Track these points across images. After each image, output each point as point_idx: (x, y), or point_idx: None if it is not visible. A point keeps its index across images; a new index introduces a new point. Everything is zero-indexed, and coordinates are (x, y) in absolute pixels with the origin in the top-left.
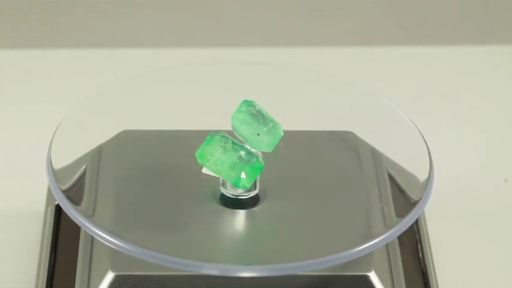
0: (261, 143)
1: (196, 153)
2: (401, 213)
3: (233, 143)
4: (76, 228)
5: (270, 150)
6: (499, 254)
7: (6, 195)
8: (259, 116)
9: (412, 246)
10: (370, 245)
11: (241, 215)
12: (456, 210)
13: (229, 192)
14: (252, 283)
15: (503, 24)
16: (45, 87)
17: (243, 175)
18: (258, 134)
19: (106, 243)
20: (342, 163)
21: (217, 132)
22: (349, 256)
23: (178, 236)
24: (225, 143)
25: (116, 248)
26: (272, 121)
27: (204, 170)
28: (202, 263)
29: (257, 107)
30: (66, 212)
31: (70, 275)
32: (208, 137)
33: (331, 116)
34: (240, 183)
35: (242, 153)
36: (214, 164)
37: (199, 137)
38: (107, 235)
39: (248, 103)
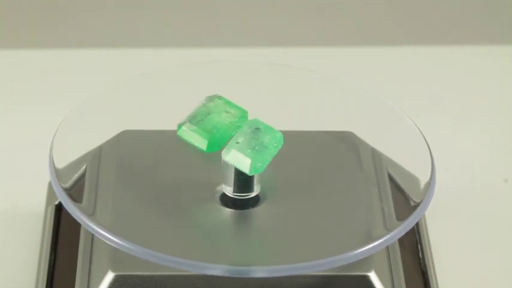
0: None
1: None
2: (401, 215)
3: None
4: (76, 228)
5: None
6: (499, 254)
7: (6, 195)
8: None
9: (412, 247)
10: (370, 248)
11: (241, 215)
12: (456, 210)
13: (229, 192)
14: (251, 283)
15: (503, 24)
16: (45, 87)
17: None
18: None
19: (107, 241)
20: (342, 163)
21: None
22: (348, 259)
23: (179, 235)
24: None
25: (116, 246)
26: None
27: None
28: (203, 263)
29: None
30: (68, 210)
31: (70, 275)
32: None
33: (331, 116)
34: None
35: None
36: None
37: None
38: (108, 233)
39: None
